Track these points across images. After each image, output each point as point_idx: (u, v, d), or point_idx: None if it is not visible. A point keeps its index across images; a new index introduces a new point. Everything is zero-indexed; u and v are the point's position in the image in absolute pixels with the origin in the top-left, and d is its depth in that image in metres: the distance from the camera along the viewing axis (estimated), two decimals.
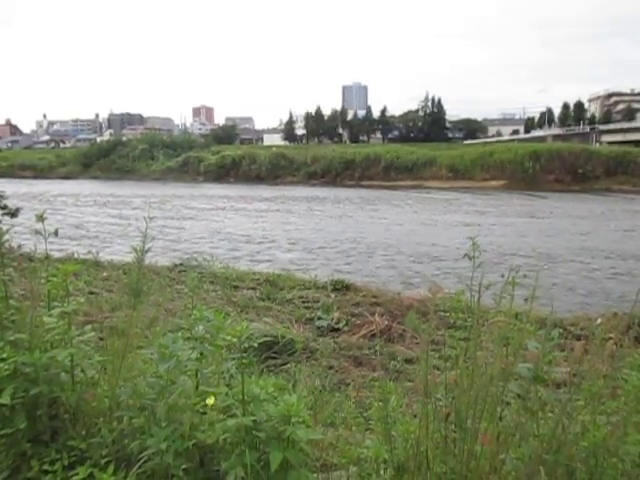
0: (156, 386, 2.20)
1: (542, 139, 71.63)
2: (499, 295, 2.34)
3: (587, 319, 7.45)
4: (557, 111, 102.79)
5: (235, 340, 2.03)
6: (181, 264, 10.84)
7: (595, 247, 18.15)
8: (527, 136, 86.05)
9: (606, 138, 69.29)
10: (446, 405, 2.22)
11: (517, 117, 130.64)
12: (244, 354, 2.07)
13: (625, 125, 70.86)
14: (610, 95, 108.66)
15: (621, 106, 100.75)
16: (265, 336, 5.52)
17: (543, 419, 2.04)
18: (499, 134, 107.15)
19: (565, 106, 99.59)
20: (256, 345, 2.06)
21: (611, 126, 73.89)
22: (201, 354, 2.19)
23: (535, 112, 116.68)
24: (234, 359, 2.16)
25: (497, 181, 48.66)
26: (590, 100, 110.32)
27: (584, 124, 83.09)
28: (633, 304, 2.13)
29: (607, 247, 18.10)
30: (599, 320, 6.83)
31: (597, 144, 64.99)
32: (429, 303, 2.41)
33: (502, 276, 2.40)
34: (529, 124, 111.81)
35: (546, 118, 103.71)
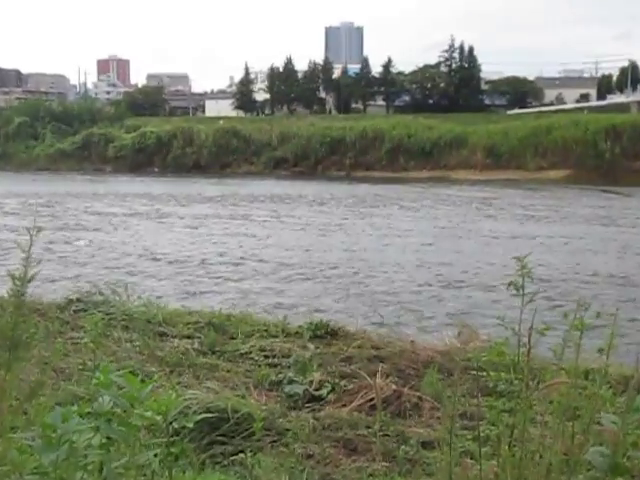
0: None
1: (624, 108, 72.75)
2: (560, 344, 2.38)
3: None
4: None
5: (159, 418, 2.02)
6: (79, 299, 10.71)
7: None
8: (602, 103, 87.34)
9: None
10: None
11: (586, 75, 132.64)
12: (174, 438, 2.07)
13: None
14: None
15: None
16: (208, 411, 5.49)
17: None
18: (560, 100, 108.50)
19: None
20: (192, 425, 2.06)
21: None
22: (108, 439, 2.18)
23: (613, 68, 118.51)
24: (159, 446, 2.16)
25: (558, 171, 49.35)
26: None
27: None
28: None
29: None
30: None
31: None
32: (457, 357, 2.44)
33: (565, 316, 2.44)
34: (604, 86, 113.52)
35: (629, 77, 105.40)
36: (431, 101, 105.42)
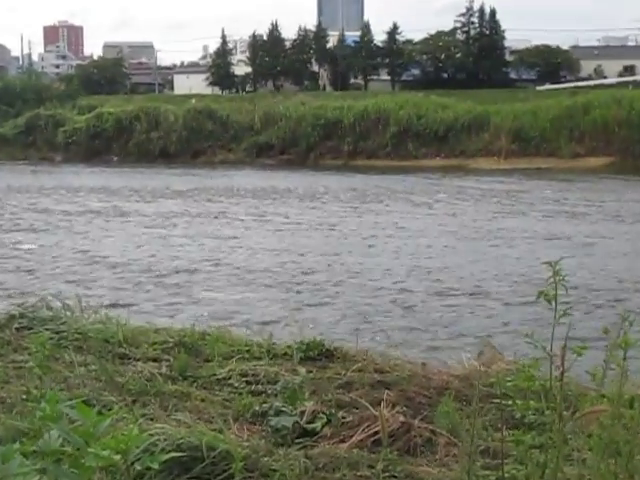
0: None
1: None
2: (601, 366, 2.37)
3: None
4: None
5: (119, 457, 2.01)
6: (22, 315, 10.70)
7: None
8: None
9: None
10: None
11: (631, 44, 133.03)
12: None
13: None
14: None
15: None
16: (178, 448, 5.47)
17: None
18: (600, 74, 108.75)
19: None
20: (158, 466, 2.05)
21: None
22: None
23: None
24: None
25: (597, 158, 49.43)
26: None
27: None
28: None
29: None
30: None
31: None
32: (477, 381, 2.44)
33: (605, 332, 2.44)
34: None
35: None
36: (445, 75, 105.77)
